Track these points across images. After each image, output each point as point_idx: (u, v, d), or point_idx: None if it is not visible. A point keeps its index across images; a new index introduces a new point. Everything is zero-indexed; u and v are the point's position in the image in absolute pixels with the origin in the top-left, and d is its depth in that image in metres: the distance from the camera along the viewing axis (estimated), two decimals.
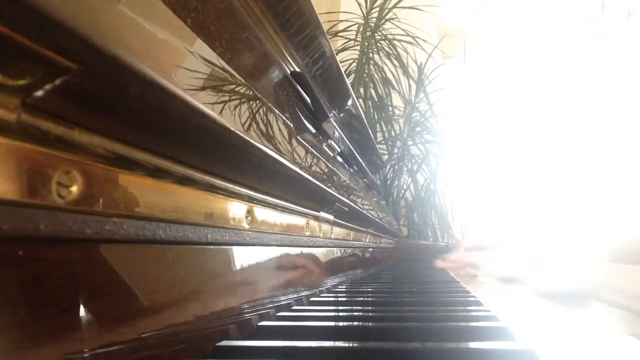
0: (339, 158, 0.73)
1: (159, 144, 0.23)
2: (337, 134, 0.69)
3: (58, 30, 0.15)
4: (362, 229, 0.92)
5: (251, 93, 0.37)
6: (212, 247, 0.31)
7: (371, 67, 1.94)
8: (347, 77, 1.34)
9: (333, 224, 0.66)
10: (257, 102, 0.38)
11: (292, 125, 0.47)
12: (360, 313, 0.45)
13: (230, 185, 0.32)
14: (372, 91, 1.94)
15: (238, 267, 0.36)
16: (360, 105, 1.54)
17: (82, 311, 0.19)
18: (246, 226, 0.35)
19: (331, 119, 0.63)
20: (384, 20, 1.93)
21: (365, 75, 1.92)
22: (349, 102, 0.84)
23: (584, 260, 0.91)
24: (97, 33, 0.16)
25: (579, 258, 0.92)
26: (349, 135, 0.88)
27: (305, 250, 0.54)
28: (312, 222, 0.55)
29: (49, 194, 0.17)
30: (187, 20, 0.29)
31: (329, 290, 0.61)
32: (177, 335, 0.26)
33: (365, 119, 1.00)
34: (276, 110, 0.43)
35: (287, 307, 0.45)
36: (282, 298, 0.45)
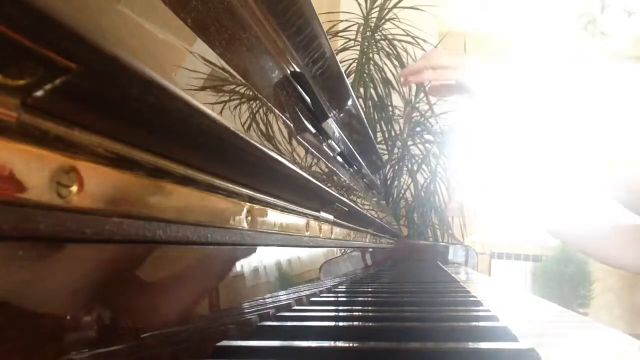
0: (339, 158, 0.73)
1: (159, 144, 0.23)
2: (337, 134, 0.69)
3: (58, 30, 0.15)
4: (362, 229, 0.92)
5: (251, 93, 0.37)
6: (212, 247, 0.31)
7: (371, 67, 1.94)
8: (347, 77, 1.34)
9: (333, 224, 0.66)
10: (257, 102, 0.38)
11: (292, 125, 0.47)
12: (360, 313, 0.45)
13: (230, 185, 0.32)
14: (372, 91, 1.94)
15: (238, 267, 0.36)
16: (360, 105, 1.54)
17: (82, 311, 0.19)
18: (246, 226, 0.35)
19: (331, 119, 0.63)
20: (384, 20, 1.93)
21: (365, 75, 1.92)
22: (349, 102, 0.84)
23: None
24: (97, 33, 0.16)
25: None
26: (349, 135, 0.88)
27: (305, 250, 0.54)
28: (312, 222, 0.55)
29: (49, 194, 0.17)
30: (187, 20, 0.29)
31: (329, 290, 0.61)
32: (177, 335, 0.26)
33: (365, 119, 1.00)
34: (276, 110, 0.43)
35: (287, 307, 0.45)
36: (282, 298, 0.45)
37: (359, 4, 1.93)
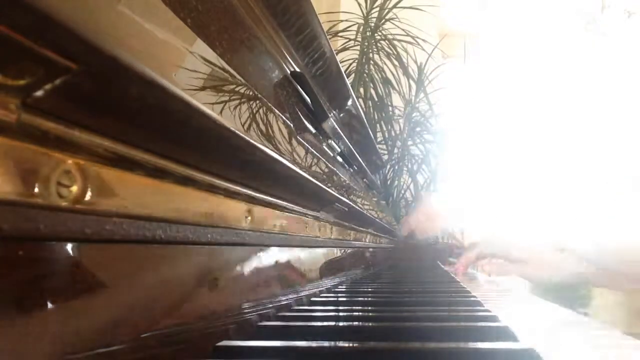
0: (339, 158, 0.73)
1: (159, 144, 0.23)
2: (337, 134, 0.69)
3: (58, 30, 0.15)
4: (362, 229, 0.92)
5: (251, 93, 0.37)
6: (212, 247, 0.31)
7: (371, 67, 1.93)
8: (347, 77, 1.34)
9: (333, 224, 0.66)
10: (257, 102, 0.38)
11: (292, 125, 0.47)
12: (360, 313, 0.45)
13: (230, 185, 0.32)
14: (372, 91, 1.94)
15: (238, 267, 0.36)
16: (360, 105, 1.54)
17: (82, 311, 0.19)
18: (246, 226, 0.35)
19: (331, 119, 0.63)
20: (384, 20, 1.93)
21: (365, 75, 1.92)
22: (349, 102, 0.84)
23: (585, 251, 0.90)
24: (97, 33, 0.16)
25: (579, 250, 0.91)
26: (349, 135, 0.88)
27: (305, 250, 0.54)
28: (312, 222, 0.55)
29: (49, 194, 0.17)
30: (187, 20, 0.29)
31: (329, 290, 0.61)
32: (177, 335, 0.26)
33: (365, 119, 1.00)
34: (276, 110, 0.43)
35: (287, 307, 0.45)
36: (282, 298, 0.45)
37: (359, 4, 1.93)
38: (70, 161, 0.18)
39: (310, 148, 0.52)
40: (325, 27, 0.89)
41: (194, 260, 0.29)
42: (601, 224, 0.85)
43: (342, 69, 0.74)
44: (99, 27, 0.18)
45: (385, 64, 1.94)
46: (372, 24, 1.93)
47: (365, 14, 1.93)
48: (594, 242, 0.84)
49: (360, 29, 1.93)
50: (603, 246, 0.83)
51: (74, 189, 0.18)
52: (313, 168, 0.52)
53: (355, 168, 0.90)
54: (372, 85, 1.93)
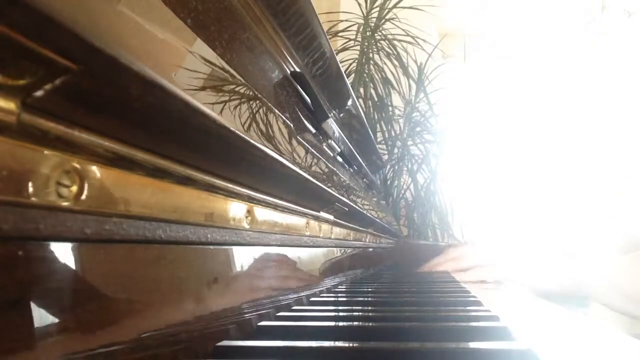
0: (339, 158, 0.73)
1: (159, 144, 0.23)
2: (337, 134, 0.69)
3: (58, 30, 0.15)
4: (362, 229, 0.92)
5: (251, 93, 0.37)
6: (212, 247, 0.31)
7: (371, 67, 1.93)
8: (347, 77, 1.34)
9: (333, 224, 0.66)
10: (257, 102, 0.38)
11: (292, 125, 0.47)
12: (360, 313, 0.45)
13: (230, 185, 0.32)
14: (372, 91, 1.94)
15: (238, 267, 0.36)
16: (360, 105, 1.54)
17: (82, 311, 0.19)
18: (246, 226, 0.35)
19: (331, 119, 0.63)
20: (384, 20, 1.93)
21: (365, 75, 1.92)
22: (349, 102, 0.84)
23: (583, 258, 0.90)
24: (97, 33, 0.16)
25: (579, 256, 0.91)
26: (349, 135, 0.88)
27: (305, 250, 0.54)
28: (312, 222, 0.55)
29: (49, 194, 0.17)
30: (187, 20, 0.29)
31: (329, 290, 0.61)
32: (177, 335, 0.26)
33: (365, 119, 1.00)
34: (276, 110, 0.43)
35: (287, 307, 0.45)
36: (282, 298, 0.45)
37: (359, 4, 1.93)
38: (70, 161, 0.18)
39: (310, 148, 0.52)
40: (325, 27, 0.89)
41: (194, 260, 0.29)
42: (618, 264, 0.85)
43: (342, 69, 0.74)
44: (98, 27, 0.18)
45: (385, 64, 1.94)
46: (372, 24, 1.93)
47: (365, 14, 1.93)
48: (611, 283, 0.83)
49: (360, 29, 1.93)
50: (620, 288, 0.82)
51: (74, 189, 0.18)
52: (313, 168, 0.52)
53: (355, 168, 0.90)
54: (372, 85, 1.93)
